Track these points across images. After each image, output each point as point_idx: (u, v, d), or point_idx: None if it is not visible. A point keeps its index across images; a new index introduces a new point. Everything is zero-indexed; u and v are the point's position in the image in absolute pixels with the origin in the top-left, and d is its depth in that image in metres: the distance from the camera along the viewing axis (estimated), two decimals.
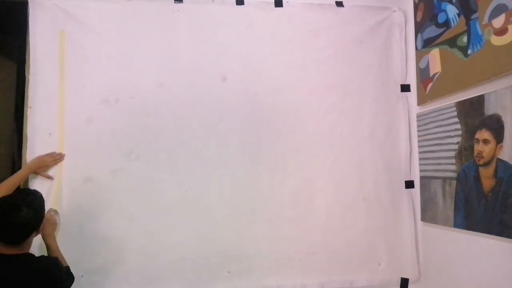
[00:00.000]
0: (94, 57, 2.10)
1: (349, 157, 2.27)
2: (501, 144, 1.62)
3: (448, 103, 1.97)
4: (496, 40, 1.66)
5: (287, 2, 2.30)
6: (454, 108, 1.92)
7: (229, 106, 2.19)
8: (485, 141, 1.71)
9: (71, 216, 1.99)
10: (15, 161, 2.90)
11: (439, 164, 2.04)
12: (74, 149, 2.04)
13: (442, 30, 2.03)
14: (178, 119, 2.14)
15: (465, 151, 1.84)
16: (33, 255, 1.61)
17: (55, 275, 1.59)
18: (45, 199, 1.70)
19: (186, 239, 2.08)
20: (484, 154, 1.72)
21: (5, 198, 1.63)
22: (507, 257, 1.62)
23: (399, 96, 2.36)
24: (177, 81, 2.16)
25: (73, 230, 1.98)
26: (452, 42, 1.95)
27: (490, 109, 1.69)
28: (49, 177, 1.97)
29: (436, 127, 2.08)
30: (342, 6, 2.36)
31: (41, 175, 1.96)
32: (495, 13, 1.66)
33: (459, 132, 1.88)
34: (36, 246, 1.80)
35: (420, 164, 2.24)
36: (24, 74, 2.05)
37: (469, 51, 1.82)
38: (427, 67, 2.17)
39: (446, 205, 1.98)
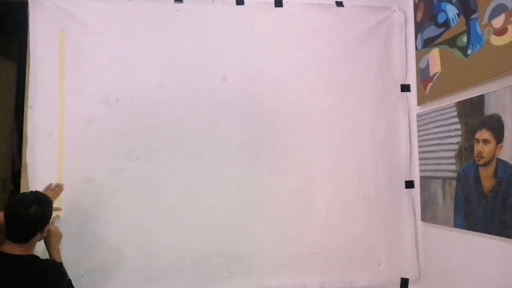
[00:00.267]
0: (94, 57, 2.10)
1: (349, 157, 2.27)
2: (501, 144, 1.62)
3: (448, 103, 1.97)
4: (496, 40, 1.66)
5: (287, 2, 2.30)
6: (454, 108, 1.92)
7: (229, 106, 2.19)
8: (485, 141, 1.71)
9: (71, 216, 1.99)
10: (15, 161, 2.90)
11: (439, 164, 2.04)
12: (74, 149, 2.04)
13: (442, 30, 2.04)
14: (178, 119, 2.14)
15: (465, 151, 1.84)
16: (38, 257, 1.62)
17: (57, 280, 1.59)
18: None
19: (186, 239, 2.08)
20: (484, 154, 1.72)
21: (18, 194, 1.75)
22: (507, 257, 1.62)
23: (399, 96, 2.36)
24: (177, 81, 2.16)
25: (73, 230, 1.98)
26: (452, 42, 1.95)
27: (490, 109, 1.69)
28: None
29: (436, 127, 2.08)
30: (342, 6, 2.36)
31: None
32: (495, 13, 1.66)
33: (459, 132, 1.88)
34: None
35: (420, 164, 2.24)
36: (24, 74, 2.05)
37: (469, 51, 1.82)
38: (427, 67, 2.17)
39: (446, 205, 1.98)
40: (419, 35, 2.27)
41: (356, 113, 2.31)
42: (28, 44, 2.05)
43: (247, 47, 2.24)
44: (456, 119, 1.91)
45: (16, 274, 1.50)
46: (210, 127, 2.17)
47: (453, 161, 1.92)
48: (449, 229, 1.96)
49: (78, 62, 2.08)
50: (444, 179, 2.00)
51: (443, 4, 2.03)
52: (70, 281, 1.71)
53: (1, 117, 2.87)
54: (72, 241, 1.96)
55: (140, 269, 2.03)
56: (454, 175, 1.91)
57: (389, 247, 2.25)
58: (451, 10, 1.95)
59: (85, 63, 2.09)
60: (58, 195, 1.95)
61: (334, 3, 2.36)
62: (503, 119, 1.61)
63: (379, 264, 2.24)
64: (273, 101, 2.23)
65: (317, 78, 2.29)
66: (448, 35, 1.98)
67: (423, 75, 2.21)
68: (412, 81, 2.34)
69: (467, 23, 1.83)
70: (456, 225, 1.90)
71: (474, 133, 1.78)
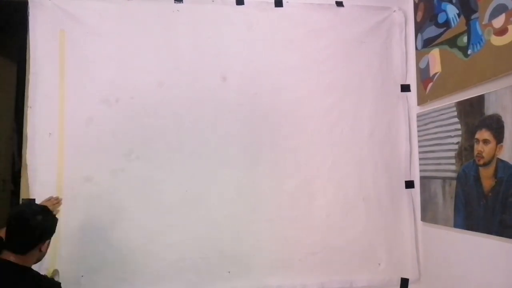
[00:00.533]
0: (94, 57, 2.10)
1: (349, 157, 2.27)
2: (501, 144, 1.62)
3: (448, 103, 1.97)
4: (496, 40, 1.66)
5: (287, 2, 2.30)
6: (454, 108, 1.92)
7: (229, 106, 2.19)
8: (485, 141, 1.71)
9: (71, 216, 1.98)
10: (15, 161, 2.91)
11: (439, 164, 2.04)
12: (74, 149, 2.04)
13: (442, 30, 2.03)
14: (178, 119, 2.14)
15: (465, 151, 1.84)
16: (37, 272, 1.57)
17: None
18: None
19: (186, 239, 2.08)
20: (484, 154, 1.72)
21: (24, 204, 1.81)
22: (507, 257, 1.62)
23: (399, 96, 2.36)
24: (177, 81, 2.16)
25: (73, 230, 1.98)
26: (452, 42, 1.95)
27: (490, 109, 1.69)
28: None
29: (436, 127, 2.08)
30: (342, 6, 2.36)
31: None
32: (495, 13, 1.66)
33: (459, 132, 1.88)
34: None
35: (420, 164, 2.24)
36: (24, 74, 2.05)
37: (469, 51, 1.82)
38: (427, 67, 2.17)
39: (446, 205, 1.98)
40: (419, 35, 2.26)
41: (356, 113, 2.31)
42: (28, 44, 2.05)
43: (247, 47, 2.24)
44: (456, 119, 1.91)
45: (13, 282, 1.46)
46: (210, 127, 2.17)
47: (453, 161, 1.92)
48: (449, 229, 1.96)
49: (78, 62, 2.09)
50: (444, 179, 2.00)
51: (443, 4, 2.02)
52: None
53: (1, 117, 2.87)
54: (72, 241, 1.96)
55: (140, 269, 2.03)
56: (454, 175, 1.91)
57: (389, 247, 2.25)
58: (451, 10, 1.95)
59: (85, 63, 2.09)
60: (55, 209, 1.83)
61: (334, 3, 2.36)
62: (503, 119, 1.61)
63: (379, 264, 2.24)
64: (273, 101, 2.23)
65: (317, 78, 2.29)
66: (448, 35, 1.98)
67: (423, 75, 2.21)
68: (412, 81, 2.34)
69: (467, 23, 1.83)
70: (456, 225, 1.90)
71: (474, 133, 1.78)
